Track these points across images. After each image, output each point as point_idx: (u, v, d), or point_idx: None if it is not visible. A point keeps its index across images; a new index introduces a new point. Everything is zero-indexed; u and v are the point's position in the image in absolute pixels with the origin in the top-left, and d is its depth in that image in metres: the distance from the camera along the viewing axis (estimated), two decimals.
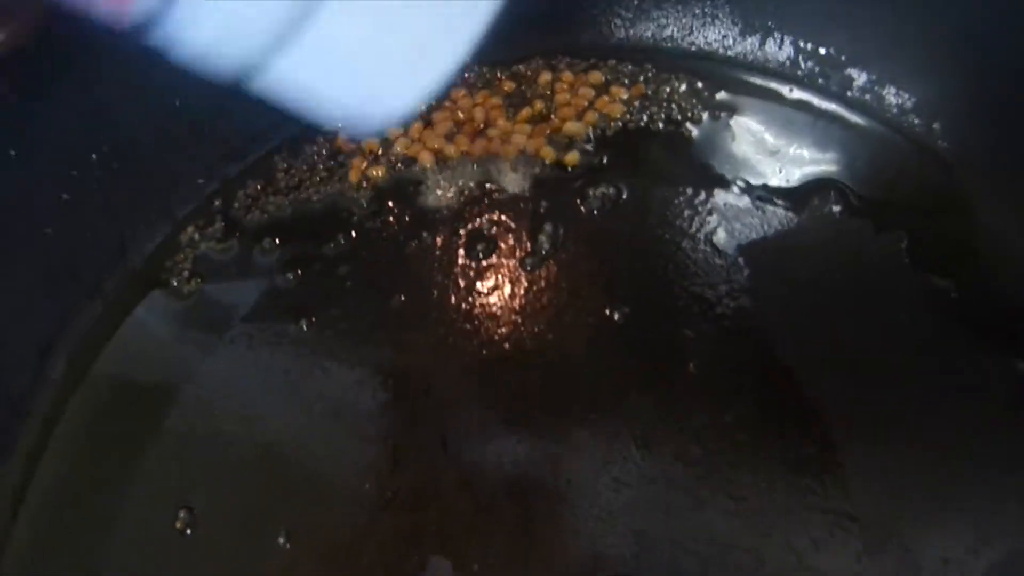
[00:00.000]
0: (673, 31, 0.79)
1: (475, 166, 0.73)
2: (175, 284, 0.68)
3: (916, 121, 0.71)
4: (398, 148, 0.73)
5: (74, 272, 0.67)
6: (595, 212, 0.68)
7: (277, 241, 0.69)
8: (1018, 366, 0.59)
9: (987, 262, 0.64)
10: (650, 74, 0.76)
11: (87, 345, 0.66)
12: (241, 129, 0.75)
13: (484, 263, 0.67)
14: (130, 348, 0.66)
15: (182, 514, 0.57)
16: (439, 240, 0.68)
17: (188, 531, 0.56)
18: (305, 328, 0.64)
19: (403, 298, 0.65)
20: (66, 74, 0.63)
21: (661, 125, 0.73)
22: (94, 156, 0.67)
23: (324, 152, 0.74)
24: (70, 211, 0.66)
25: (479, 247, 0.67)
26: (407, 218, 0.70)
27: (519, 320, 0.63)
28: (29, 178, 0.63)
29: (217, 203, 0.73)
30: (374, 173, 0.72)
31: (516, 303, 0.64)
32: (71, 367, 0.65)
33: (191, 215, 0.72)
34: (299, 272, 0.67)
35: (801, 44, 0.75)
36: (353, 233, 0.69)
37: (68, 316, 0.66)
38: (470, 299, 0.65)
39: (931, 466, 0.56)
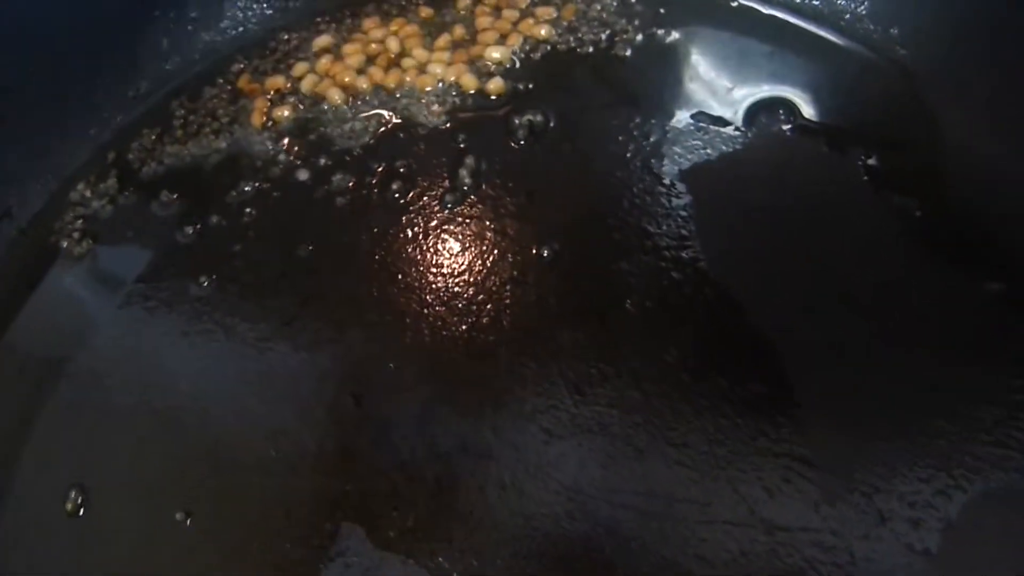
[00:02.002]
0: None
1: (390, 100, 0.66)
2: (65, 246, 0.62)
3: (871, 27, 0.65)
4: (305, 86, 0.67)
5: None
6: (521, 143, 0.62)
7: (175, 195, 0.63)
8: (988, 287, 0.53)
9: (952, 177, 0.58)
10: None
11: None
12: (133, 71, 0.69)
13: (400, 203, 0.60)
14: (17, 316, 0.60)
15: (73, 494, 0.51)
16: (350, 182, 0.62)
17: (81, 512, 0.50)
18: (205, 285, 0.58)
19: (311, 247, 0.59)
20: None
21: (591, 47, 0.67)
22: None
23: (225, 96, 0.68)
24: None
25: (394, 186, 0.61)
26: (315, 161, 0.63)
27: (439, 263, 0.57)
28: None
29: (110, 156, 0.66)
30: (279, 114, 0.65)
31: (436, 245, 0.58)
32: None
33: (81, 170, 0.66)
34: (198, 226, 0.61)
35: None
36: (256, 182, 0.63)
37: None
38: (384, 244, 0.58)
39: (895, 402, 0.50)
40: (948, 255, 0.55)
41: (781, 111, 0.62)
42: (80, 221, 0.63)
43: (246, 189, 0.62)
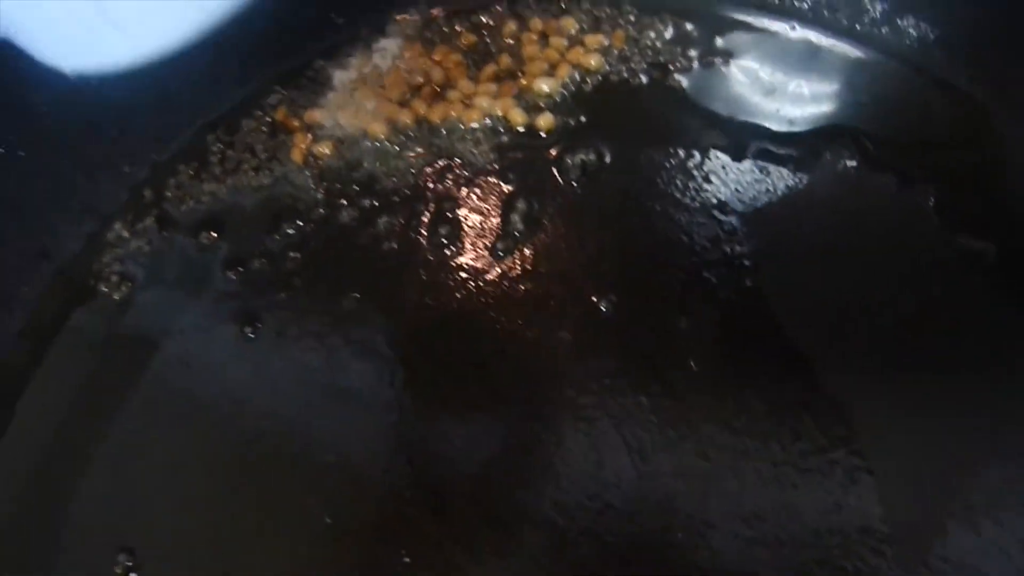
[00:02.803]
0: None
1: (435, 135, 0.64)
2: (104, 290, 0.60)
3: (940, 56, 0.62)
4: (344, 120, 0.64)
5: None
6: (574, 183, 0.60)
7: (216, 236, 0.61)
8: None
9: None
10: (631, 18, 0.67)
11: (6, 366, 0.58)
12: (168, 104, 0.66)
13: (449, 250, 0.58)
14: (53, 362, 0.58)
15: (121, 557, 0.49)
16: (397, 227, 0.59)
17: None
18: (251, 335, 0.56)
19: (358, 296, 0.57)
20: None
21: (645, 77, 0.64)
22: (2, 149, 0.59)
23: (263, 129, 0.66)
24: None
25: (443, 232, 0.59)
26: (359, 202, 0.61)
27: (492, 317, 0.55)
28: None
29: (147, 194, 0.64)
30: (320, 150, 0.63)
31: (488, 297, 0.56)
32: None
33: (119, 209, 0.64)
34: (241, 270, 0.59)
35: None
36: (299, 222, 0.61)
37: None
38: (435, 294, 0.56)
39: (971, 457, 0.48)
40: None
41: (846, 147, 0.59)
42: (118, 263, 0.61)
43: (289, 232, 0.60)
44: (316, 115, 0.65)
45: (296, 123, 0.65)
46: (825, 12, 0.65)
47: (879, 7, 0.63)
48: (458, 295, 0.56)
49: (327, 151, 0.63)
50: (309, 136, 0.64)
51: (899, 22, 0.63)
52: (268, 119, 0.66)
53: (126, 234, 0.63)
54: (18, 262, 0.61)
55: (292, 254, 0.59)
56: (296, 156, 0.63)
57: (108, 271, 0.61)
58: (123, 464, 0.53)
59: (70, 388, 0.57)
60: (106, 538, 0.50)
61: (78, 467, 0.53)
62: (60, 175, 0.63)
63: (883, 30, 0.63)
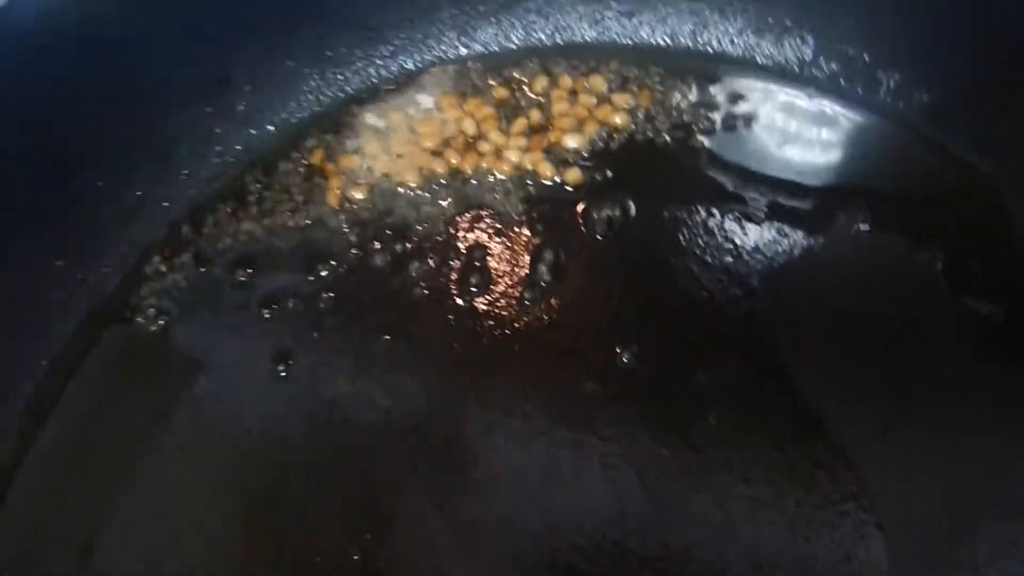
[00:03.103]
0: (681, 29, 0.72)
1: (466, 185, 0.66)
2: (140, 323, 0.62)
3: (951, 128, 0.65)
4: (379, 166, 0.67)
5: (27, 313, 0.61)
6: (600, 236, 0.62)
7: (252, 274, 0.63)
8: None
9: None
10: (657, 79, 0.69)
11: (41, 395, 0.60)
12: (208, 143, 0.69)
13: (478, 297, 0.60)
14: (88, 398, 0.60)
15: None
16: (428, 272, 0.62)
17: None
18: (283, 373, 0.58)
19: (389, 338, 0.59)
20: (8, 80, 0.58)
21: (669, 137, 0.67)
22: (46, 182, 0.61)
23: (300, 171, 0.68)
24: (21, 244, 0.60)
25: (472, 280, 0.61)
26: (392, 247, 0.63)
27: (519, 364, 0.57)
28: None
29: (185, 230, 0.66)
30: (354, 195, 0.66)
31: (515, 344, 0.58)
32: (25, 419, 0.59)
33: (157, 243, 0.66)
34: (275, 307, 0.61)
35: (822, 44, 0.68)
36: (333, 263, 0.63)
37: (20, 363, 0.60)
38: (464, 340, 0.58)
39: (976, 514, 0.50)
40: None
41: (859, 209, 0.61)
42: (154, 297, 0.63)
43: (323, 273, 0.62)
44: (351, 161, 0.67)
45: (332, 167, 0.67)
46: (842, 82, 0.68)
47: (893, 80, 0.66)
48: (486, 341, 0.59)
49: (361, 196, 0.66)
50: (344, 180, 0.67)
51: (912, 94, 0.66)
52: (304, 162, 0.69)
53: (164, 268, 0.65)
54: (56, 292, 0.63)
55: (325, 294, 0.62)
56: (331, 199, 0.66)
57: (145, 304, 0.63)
58: (153, 495, 0.55)
59: (103, 418, 0.59)
60: (134, 568, 0.52)
61: (108, 497, 0.55)
62: (100, 208, 0.65)
63: (897, 102, 0.66)
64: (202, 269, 0.64)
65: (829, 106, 0.68)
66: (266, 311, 0.62)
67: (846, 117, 0.67)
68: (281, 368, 0.59)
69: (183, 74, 0.67)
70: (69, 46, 0.60)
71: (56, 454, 0.58)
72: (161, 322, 0.62)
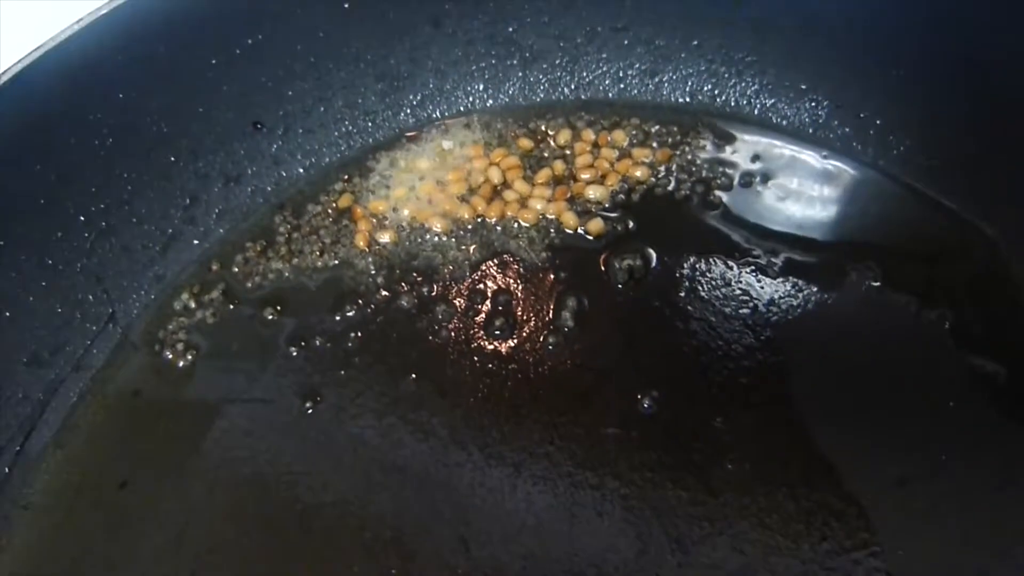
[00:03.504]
0: (700, 89, 0.75)
1: (491, 232, 0.69)
2: (168, 357, 0.64)
3: (958, 192, 0.67)
4: (407, 212, 0.69)
5: (58, 343, 0.63)
6: (620, 285, 0.64)
7: (280, 312, 0.65)
8: None
9: None
10: (676, 136, 0.72)
11: (70, 425, 0.61)
12: (238, 182, 0.71)
13: (502, 341, 0.62)
14: (115, 430, 0.61)
15: None
16: (454, 315, 0.64)
17: None
18: (311, 411, 0.60)
19: (415, 378, 0.61)
20: (46, 120, 0.60)
21: (688, 190, 0.69)
22: (81, 217, 0.63)
23: (329, 212, 0.70)
24: (53, 276, 0.62)
25: (497, 323, 0.63)
26: (419, 289, 0.65)
27: (542, 407, 0.59)
28: (6, 240, 0.59)
29: (215, 267, 0.68)
30: (382, 238, 0.68)
31: (539, 387, 0.60)
32: (54, 449, 0.60)
33: (186, 280, 0.68)
34: (303, 345, 0.63)
35: (836, 107, 0.71)
36: (360, 303, 0.65)
37: (51, 392, 0.62)
38: (488, 382, 0.60)
39: (980, 567, 0.52)
40: None
41: (870, 268, 0.64)
42: (183, 332, 0.65)
43: (350, 314, 0.64)
44: (379, 205, 0.70)
45: (360, 211, 0.70)
46: (854, 144, 0.71)
47: (903, 145, 0.69)
48: (510, 384, 0.60)
49: (389, 239, 0.68)
50: (372, 224, 0.69)
51: (920, 159, 0.68)
52: (333, 205, 0.71)
53: (193, 305, 0.66)
54: (89, 325, 0.64)
55: (353, 334, 0.63)
56: (360, 242, 0.68)
57: (174, 339, 0.65)
58: (182, 529, 0.56)
59: (133, 450, 0.60)
60: None
61: (137, 530, 0.56)
62: (132, 243, 0.67)
63: (907, 166, 0.69)
64: (231, 306, 0.66)
65: (842, 166, 0.70)
66: (294, 349, 0.63)
67: (858, 177, 0.70)
68: (308, 406, 0.60)
69: (218, 116, 0.69)
70: (114, 83, 0.63)
71: (84, 485, 0.59)
72: (189, 357, 0.64)
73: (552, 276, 0.65)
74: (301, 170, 0.73)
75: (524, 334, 0.63)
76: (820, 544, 0.52)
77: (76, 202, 0.63)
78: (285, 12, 0.68)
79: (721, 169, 0.70)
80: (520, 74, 0.76)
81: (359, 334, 0.63)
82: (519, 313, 0.64)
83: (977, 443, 0.56)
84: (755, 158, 0.71)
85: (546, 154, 0.73)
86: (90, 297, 0.64)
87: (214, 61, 0.67)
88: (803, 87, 0.72)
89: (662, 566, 0.52)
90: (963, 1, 0.62)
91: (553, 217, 0.68)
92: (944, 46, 0.65)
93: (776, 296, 0.63)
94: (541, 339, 0.62)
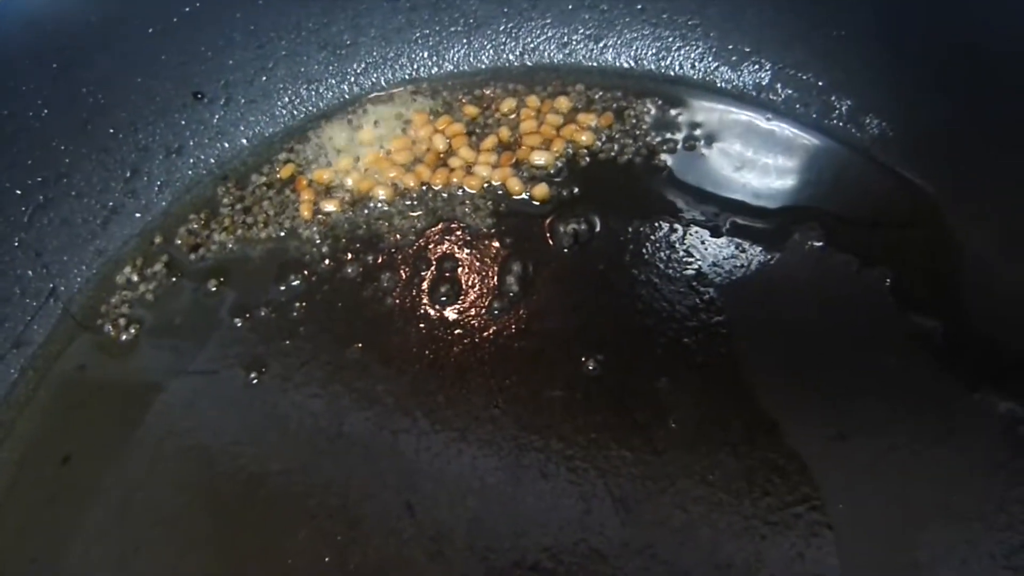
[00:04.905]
0: (645, 54, 0.75)
1: (436, 199, 0.68)
2: (110, 331, 0.63)
3: (899, 152, 0.68)
4: (351, 181, 0.69)
5: None
6: (566, 250, 0.64)
7: (224, 284, 0.64)
8: (1000, 407, 0.56)
9: (973, 301, 0.61)
10: (621, 101, 0.72)
11: (11, 402, 0.60)
12: (180, 154, 0.70)
13: (448, 307, 0.62)
14: (57, 405, 0.61)
15: None
16: (399, 283, 0.63)
17: None
18: (255, 381, 0.59)
19: (361, 346, 0.60)
20: None
21: (633, 155, 0.69)
22: (17, 190, 0.62)
23: (273, 184, 0.70)
24: None
25: (442, 290, 0.63)
26: (364, 258, 0.65)
27: (488, 370, 0.59)
28: None
29: (157, 240, 0.67)
30: (327, 207, 0.67)
31: (484, 352, 0.60)
32: None
33: (128, 253, 0.67)
34: (248, 317, 0.63)
35: (779, 69, 0.72)
36: (305, 273, 0.64)
37: None
38: (434, 348, 0.60)
39: (919, 518, 0.53)
40: (969, 375, 0.58)
41: (813, 228, 0.64)
42: (126, 305, 0.64)
43: (295, 283, 0.64)
44: (324, 175, 0.69)
45: (304, 181, 0.69)
46: (797, 106, 0.71)
47: (845, 105, 0.69)
48: (455, 349, 0.60)
49: (333, 208, 0.67)
50: (317, 194, 0.68)
51: (862, 119, 0.69)
52: (277, 175, 0.70)
53: (135, 278, 0.66)
54: (29, 300, 0.63)
55: (298, 304, 0.63)
56: (304, 211, 0.67)
57: (116, 313, 0.64)
58: (126, 503, 0.55)
59: (75, 425, 0.59)
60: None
61: (80, 504, 0.55)
62: (72, 217, 0.66)
63: (848, 126, 0.69)
64: (174, 279, 0.66)
65: (786, 129, 0.71)
66: (238, 320, 0.63)
67: (802, 140, 0.70)
68: (253, 376, 0.60)
69: (158, 86, 0.68)
70: (46, 53, 0.62)
71: (25, 461, 0.58)
72: (132, 331, 0.63)
73: (497, 242, 0.65)
74: (244, 141, 0.73)
75: (469, 300, 0.63)
76: (762, 499, 0.53)
77: (11, 175, 0.62)
78: None
79: (665, 133, 0.70)
80: (465, 41, 0.76)
81: (304, 304, 0.63)
82: (464, 279, 0.64)
83: (916, 398, 0.57)
84: (699, 122, 0.71)
85: (491, 121, 0.72)
86: (29, 272, 0.63)
87: (151, 30, 0.66)
88: (746, 50, 0.72)
89: (606, 525, 0.52)
90: None
91: (498, 183, 0.68)
92: (884, 7, 0.65)
93: (719, 258, 0.63)
94: (486, 304, 0.62)
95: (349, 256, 0.65)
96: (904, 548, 0.52)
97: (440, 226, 0.66)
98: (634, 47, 0.75)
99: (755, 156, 0.69)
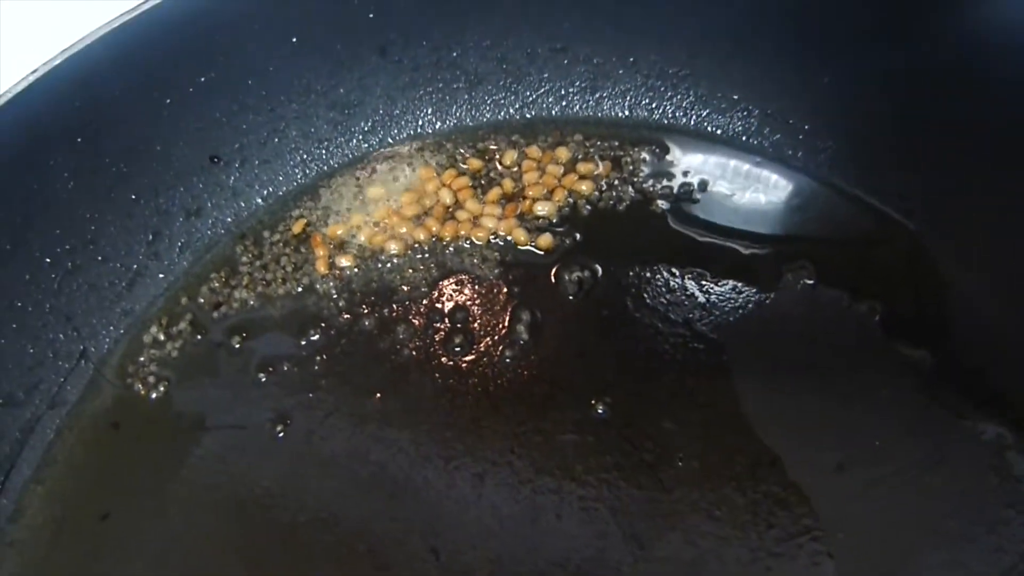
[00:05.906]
0: (638, 103, 0.79)
1: (446, 251, 0.72)
2: (140, 390, 0.66)
3: (883, 192, 0.71)
4: (363, 236, 0.72)
5: (32, 382, 0.64)
6: (571, 296, 0.68)
7: (247, 340, 0.68)
8: (989, 433, 0.60)
9: (959, 334, 0.65)
10: (618, 150, 0.76)
11: (49, 461, 0.63)
12: (202, 219, 0.74)
13: (462, 356, 0.65)
14: (94, 463, 0.63)
15: None
16: (414, 334, 0.67)
17: None
18: (282, 434, 0.62)
19: (380, 396, 0.64)
20: (7, 169, 0.61)
21: (631, 202, 0.73)
22: (47, 259, 0.65)
23: (289, 241, 0.73)
24: (23, 317, 0.64)
25: (456, 340, 0.66)
26: (379, 311, 0.68)
27: (503, 417, 0.62)
28: None
29: (181, 300, 0.71)
30: (342, 262, 0.71)
31: (498, 398, 0.63)
32: (35, 486, 0.62)
33: (154, 313, 0.70)
34: (271, 371, 0.66)
35: (767, 115, 0.75)
36: (324, 326, 0.68)
37: (28, 430, 0.64)
38: (451, 397, 0.63)
39: (914, 543, 0.56)
40: (956, 402, 0.61)
41: (804, 267, 0.68)
42: (154, 364, 0.67)
43: (314, 337, 0.67)
44: (337, 230, 0.72)
45: (318, 237, 0.72)
46: (786, 150, 0.75)
47: (829, 149, 0.73)
48: (470, 397, 0.63)
49: (348, 263, 0.71)
50: (331, 249, 0.71)
51: (846, 161, 0.73)
52: (292, 232, 0.73)
53: (162, 337, 0.69)
54: (61, 363, 0.66)
55: (319, 357, 0.66)
56: (320, 267, 0.70)
57: (145, 371, 0.67)
58: (165, 555, 0.58)
59: (112, 482, 0.62)
60: None
61: (121, 559, 0.58)
62: (100, 280, 0.69)
63: (833, 169, 0.73)
64: (199, 337, 0.69)
65: (775, 172, 0.74)
66: (262, 375, 0.66)
67: (790, 182, 0.74)
68: (279, 429, 0.63)
69: (176, 152, 0.71)
70: (73, 127, 0.64)
71: (66, 518, 0.61)
72: (162, 388, 0.66)
73: (506, 291, 0.69)
74: (260, 200, 0.76)
75: (482, 349, 0.66)
76: (767, 532, 0.56)
77: (41, 245, 0.65)
78: (235, 49, 0.70)
79: (662, 180, 0.74)
80: (466, 97, 0.79)
81: (324, 357, 0.66)
82: (476, 329, 0.67)
83: (908, 427, 0.61)
84: (692, 168, 0.75)
85: (494, 173, 0.76)
86: (61, 336, 0.66)
87: (168, 100, 0.69)
88: (735, 97, 0.76)
89: (621, 562, 0.55)
90: (879, 17, 0.67)
91: (504, 234, 0.71)
92: (864, 56, 0.69)
93: (717, 300, 0.67)
94: (498, 353, 0.65)
95: (365, 309, 0.68)
96: (901, 570, 0.55)
97: (450, 278, 0.70)
98: (628, 97, 0.79)
99: (746, 199, 0.73)
